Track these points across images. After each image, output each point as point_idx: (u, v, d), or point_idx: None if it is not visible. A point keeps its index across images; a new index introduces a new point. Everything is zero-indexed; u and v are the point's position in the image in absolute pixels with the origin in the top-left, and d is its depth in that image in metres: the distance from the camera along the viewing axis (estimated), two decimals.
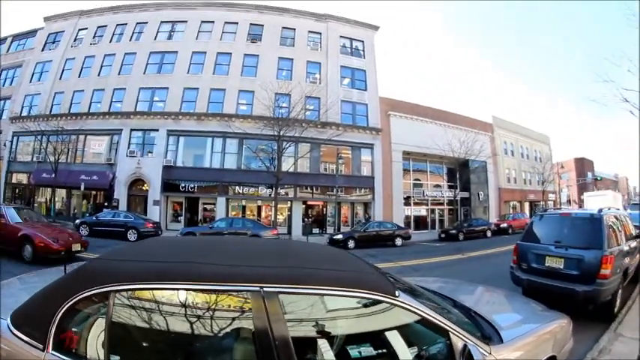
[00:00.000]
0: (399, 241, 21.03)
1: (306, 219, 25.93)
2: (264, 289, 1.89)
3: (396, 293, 2.12)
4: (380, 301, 2.10)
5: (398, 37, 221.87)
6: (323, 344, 1.98)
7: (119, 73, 26.84)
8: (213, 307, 1.91)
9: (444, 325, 2.19)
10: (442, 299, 3.00)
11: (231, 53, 27.09)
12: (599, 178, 48.34)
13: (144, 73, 26.59)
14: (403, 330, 2.21)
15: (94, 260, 2.35)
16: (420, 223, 31.44)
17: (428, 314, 2.18)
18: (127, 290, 1.90)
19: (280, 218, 25.05)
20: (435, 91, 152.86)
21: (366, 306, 2.13)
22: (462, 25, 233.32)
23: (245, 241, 4.19)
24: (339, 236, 20.09)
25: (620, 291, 6.17)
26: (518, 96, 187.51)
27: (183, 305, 1.91)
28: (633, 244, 7.36)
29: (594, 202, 29.27)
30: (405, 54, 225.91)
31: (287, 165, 22.88)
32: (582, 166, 58.87)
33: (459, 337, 2.18)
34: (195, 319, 1.89)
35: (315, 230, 25.48)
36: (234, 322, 1.93)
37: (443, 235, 25.42)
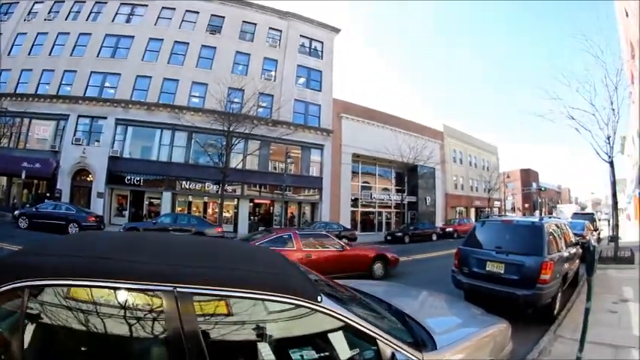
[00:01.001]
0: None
1: (252, 217, 26.20)
2: (177, 289, 1.80)
3: (319, 298, 2.01)
4: (300, 306, 1.98)
5: (364, 38, 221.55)
6: (263, 348, 1.91)
7: (71, 54, 25.68)
8: (128, 306, 1.82)
9: (370, 332, 2.09)
10: (378, 304, 2.89)
11: (188, 43, 26.61)
12: (543, 189, 50.91)
13: (97, 56, 25.59)
14: (330, 337, 2.09)
15: (12, 253, 2.19)
16: (367, 224, 32.29)
17: (353, 321, 2.07)
18: (40, 286, 1.77)
19: (227, 215, 25.23)
20: (393, 96, 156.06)
21: (291, 310, 1.99)
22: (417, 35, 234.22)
23: (173, 239, 3.98)
24: None
25: (559, 295, 6.45)
26: (470, 106, 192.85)
27: (98, 304, 1.80)
28: (573, 250, 7.79)
29: (564, 210, 42.50)
30: (370, 56, 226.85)
31: (236, 161, 23.04)
32: (528, 176, 61.06)
33: (387, 345, 2.09)
34: (109, 318, 1.79)
35: (262, 229, 25.61)
36: (148, 323, 1.82)
37: (389, 238, 25.90)
